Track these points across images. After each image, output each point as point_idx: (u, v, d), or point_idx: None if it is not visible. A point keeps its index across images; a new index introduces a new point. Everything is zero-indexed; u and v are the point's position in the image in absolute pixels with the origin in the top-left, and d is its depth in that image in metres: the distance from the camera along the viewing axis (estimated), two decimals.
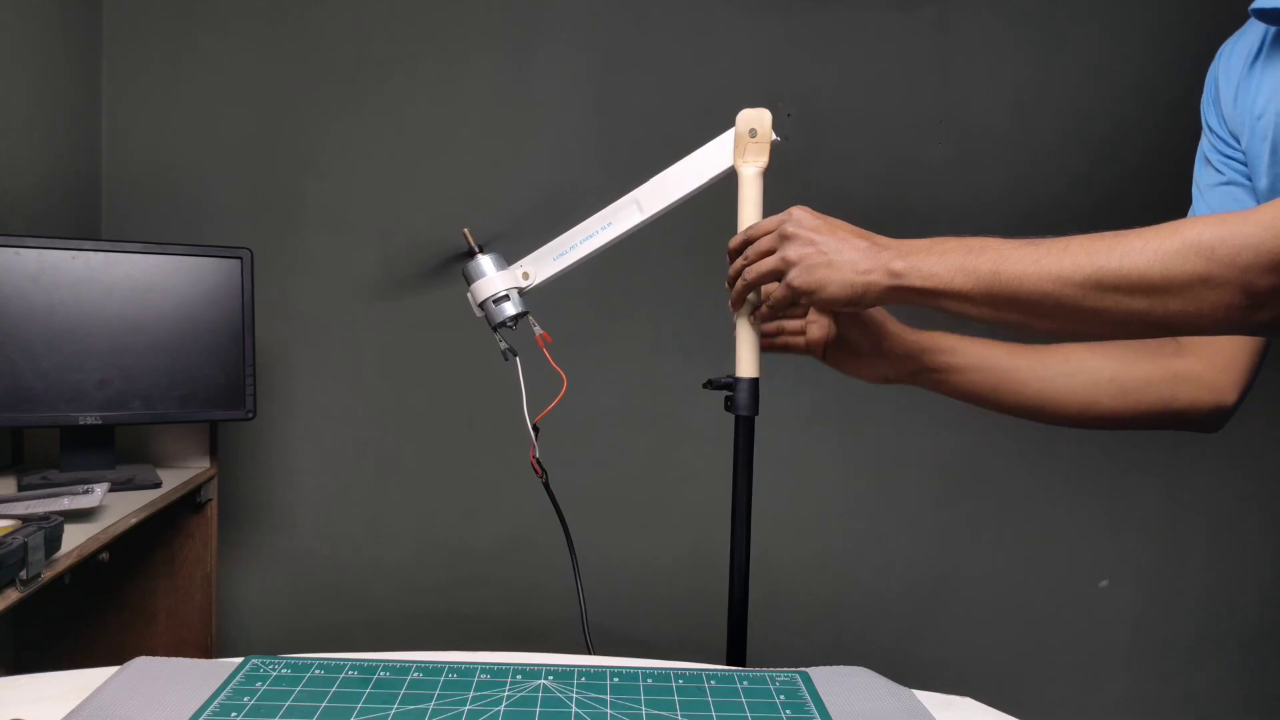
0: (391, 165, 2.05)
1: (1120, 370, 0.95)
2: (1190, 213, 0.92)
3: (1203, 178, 0.91)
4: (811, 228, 0.87)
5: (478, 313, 1.10)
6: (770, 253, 0.91)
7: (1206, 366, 0.92)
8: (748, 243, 0.94)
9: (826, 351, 1.03)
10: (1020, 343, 0.99)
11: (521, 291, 1.08)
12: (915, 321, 1.01)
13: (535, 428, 1.06)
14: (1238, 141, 0.86)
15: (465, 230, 1.09)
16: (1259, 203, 0.84)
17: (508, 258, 1.10)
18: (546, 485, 1.07)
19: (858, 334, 1.00)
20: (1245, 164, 0.85)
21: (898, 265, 0.82)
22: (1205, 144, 0.91)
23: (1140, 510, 2.17)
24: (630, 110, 2.07)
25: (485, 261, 1.08)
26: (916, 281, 0.81)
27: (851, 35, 2.09)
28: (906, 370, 1.01)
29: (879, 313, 1.00)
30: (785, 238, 0.89)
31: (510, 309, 1.08)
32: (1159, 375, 0.93)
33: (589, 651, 1.00)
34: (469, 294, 1.10)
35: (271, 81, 2.03)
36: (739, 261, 0.95)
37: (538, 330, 1.08)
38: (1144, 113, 2.08)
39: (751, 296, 0.98)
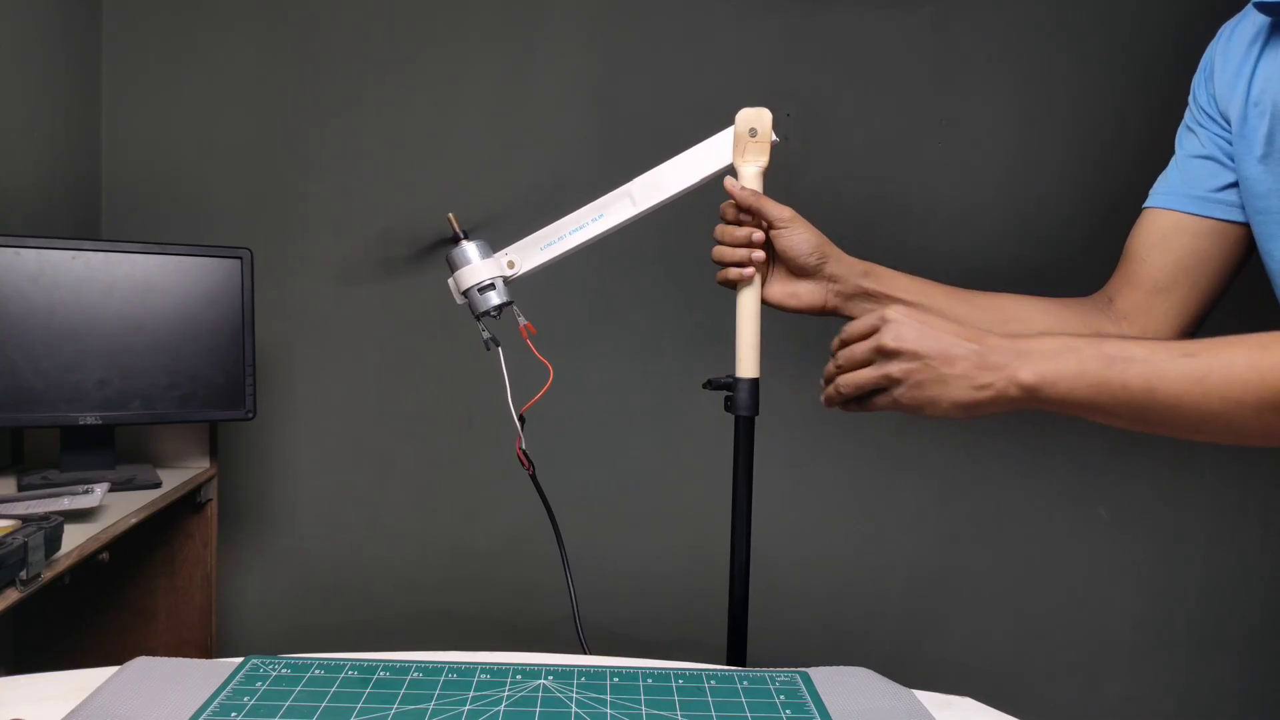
0: (391, 165, 2.05)
1: (1053, 325, 0.94)
2: (1162, 178, 0.92)
3: (1184, 148, 0.92)
4: (914, 342, 0.78)
5: (458, 300, 1.07)
6: (868, 363, 0.82)
7: (1137, 333, 0.93)
8: (843, 343, 0.86)
9: (767, 277, 1.00)
10: (955, 286, 0.99)
11: (506, 280, 1.06)
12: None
13: (521, 418, 1.04)
14: (1225, 120, 0.86)
15: (450, 215, 1.07)
16: (1241, 181, 0.84)
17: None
18: (533, 476, 1.06)
19: (804, 253, 0.97)
20: (1228, 141, 0.86)
21: (1026, 377, 0.74)
22: (1190, 118, 0.91)
23: (1140, 510, 2.17)
24: (630, 110, 2.07)
25: (470, 248, 1.05)
26: (1053, 396, 0.74)
27: (851, 35, 2.09)
28: (849, 290, 0.98)
29: (816, 234, 0.98)
30: (885, 354, 0.80)
31: (495, 298, 1.05)
32: (1088, 334, 0.93)
33: (583, 650, 0.99)
34: (450, 281, 1.07)
35: (271, 81, 2.03)
36: (831, 365, 0.88)
37: (522, 321, 1.05)
38: (1144, 112, 2.08)
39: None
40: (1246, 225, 0.87)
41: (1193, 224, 0.89)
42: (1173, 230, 0.90)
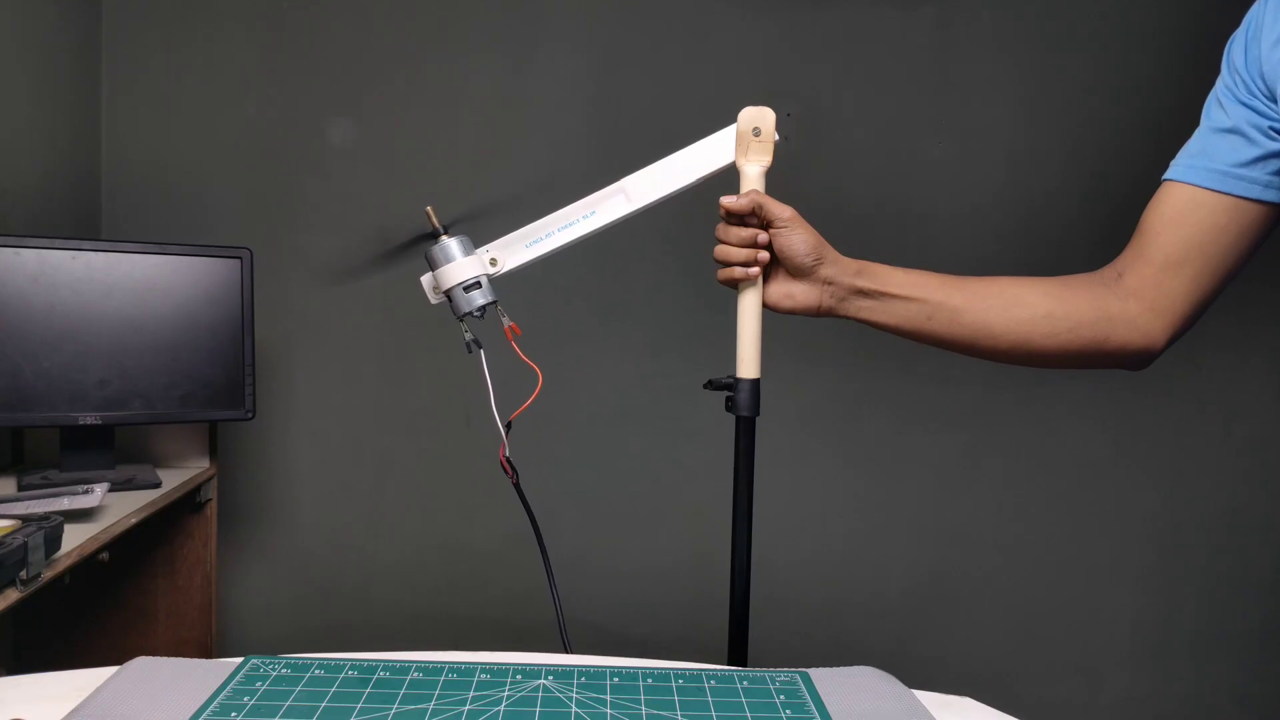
0: (391, 165, 2.05)
1: (1055, 308, 0.93)
2: (1184, 150, 0.89)
3: (1209, 119, 0.88)
4: None
5: (433, 299, 1.03)
6: None
7: (1144, 310, 0.91)
8: None
9: (767, 277, 1.00)
10: (951, 274, 0.98)
11: (490, 279, 1.01)
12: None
13: (508, 425, 1.00)
14: (1267, 85, 0.82)
15: (429, 209, 1.02)
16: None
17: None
18: (517, 485, 1.02)
19: (801, 254, 0.97)
20: (1260, 112, 0.83)
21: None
22: (1221, 86, 0.87)
23: (1140, 510, 2.17)
24: (630, 111, 2.07)
25: (452, 244, 1.00)
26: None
27: (851, 35, 2.09)
28: (842, 292, 0.98)
29: (815, 235, 0.98)
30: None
31: (480, 298, 1.00)
32: (1092, 316, 0.92)
33: (565, 649, 0.99)
34: (425, 278, 1.02)
35: (271, 81, 2.03)
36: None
37: (506, 321, 1.01)
38: (1145, 112, 2.08)
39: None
40: (1267, 204, 0.85)
41: (1210, 199, 0.86)
42: (1190, 205, 0.87)
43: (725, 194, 1.00)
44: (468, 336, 1.02)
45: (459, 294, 1.01)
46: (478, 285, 1.01)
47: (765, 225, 0.98)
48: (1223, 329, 2.10)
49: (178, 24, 2.00)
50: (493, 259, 1.02)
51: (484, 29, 2.06)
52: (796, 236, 0.97)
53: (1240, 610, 2.19)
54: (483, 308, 1.01)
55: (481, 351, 1.02)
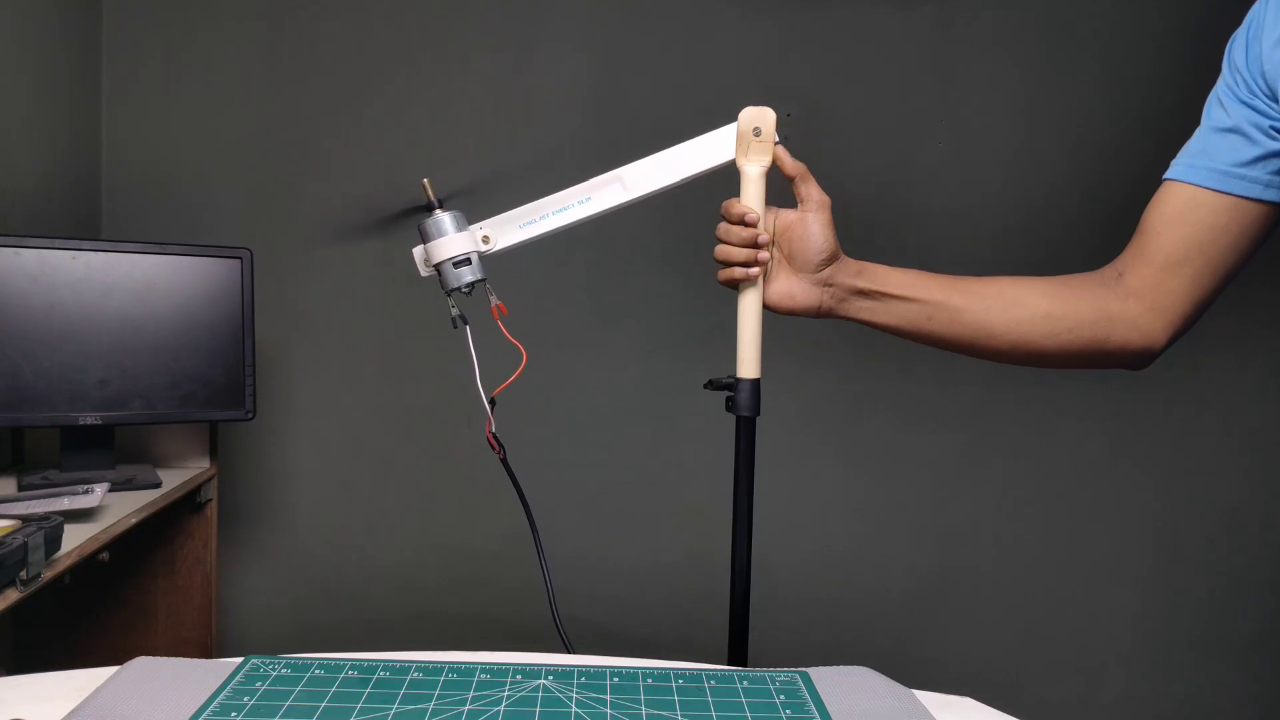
0: (391, 165, 2.05)
1: (1055, 308, 0.93)
2: (1184, 150, 0.89)
3: (1210, 119, 0.88)
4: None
5: (424, 272, 1.03)
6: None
7: (1144, 309, 0.90)
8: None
9: (766, 276, 1.00)
10: (950, 275, 0.98)
11: (481, 256, 1.01)
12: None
13: (492, 401, 1.00)
14: (1268, 84, 0.82)
15: (425, 181, 1.02)
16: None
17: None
18: (504, 460, 1.03)
19: (817, 249, 0.97)
20: (1261, 112, 0.83)
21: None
22: (1221, 85, 0.87)
23: (1140, 510, 2.17)
24: (630, 111, 2.07)
25: (445, 219, 1.00)
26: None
27: (851, 35, 2.09)
28: (842, 293, 0.98)
29: (834, 235, 0.97)
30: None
31: (469, 275, 1.00)
32: (1092, 316, 0.92)
33: (567, 649, 0.99)
34: (417, 250, 1.03)
35: (271, 81, 2.03)
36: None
37: (494, 300, 1.01)
38: (1145, 112, 2.08)
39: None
40: (1267, 204, 0.85)
41: (1210, 199, 0.86)
42: (1190, 204, 0.87)
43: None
44: (454, 312, 1.02)
45: (448, 269, 1.01)
46: (468, 261, 1.01)
47: (787, 207, 0.98)
48: (1223, 329, 2.10)
49: (178, 24, 2.00)
50: (485, 236, 1.02)
51: (484, 29, 2.06)
52: (817, 227, 0.97)
53: (1240, 610, 2.19)
54: (471, 284, 1.01)
55: (468, 328, 1.01)
